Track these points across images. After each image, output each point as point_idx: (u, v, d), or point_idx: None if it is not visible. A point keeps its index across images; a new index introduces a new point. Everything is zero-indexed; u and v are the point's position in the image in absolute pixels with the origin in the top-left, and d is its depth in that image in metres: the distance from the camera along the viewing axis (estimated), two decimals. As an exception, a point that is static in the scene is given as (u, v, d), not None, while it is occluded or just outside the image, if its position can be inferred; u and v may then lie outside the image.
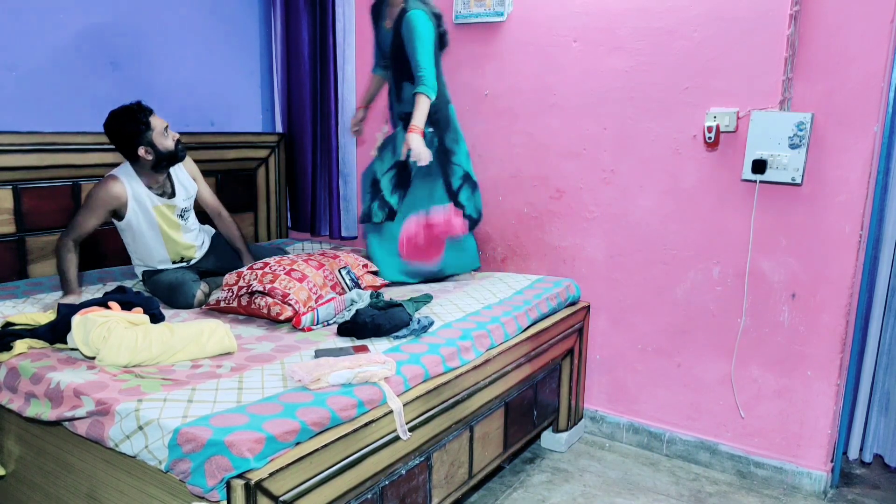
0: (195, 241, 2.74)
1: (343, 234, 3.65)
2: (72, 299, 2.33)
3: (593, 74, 2.88)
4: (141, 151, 2.47)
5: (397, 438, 1.80)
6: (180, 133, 3.17)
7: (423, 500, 2.00)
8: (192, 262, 2.74)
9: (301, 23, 3.55)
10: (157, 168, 2.54)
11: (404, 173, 2.87)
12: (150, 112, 2.49)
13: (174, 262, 2.67)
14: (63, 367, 1.84)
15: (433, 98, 2.74)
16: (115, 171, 2.54)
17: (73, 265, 2.42)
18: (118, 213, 2.52)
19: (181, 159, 2.61)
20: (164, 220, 2.59)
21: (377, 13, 2.94)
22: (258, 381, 1.78)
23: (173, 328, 1.96)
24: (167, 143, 2.51)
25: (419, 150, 2.69)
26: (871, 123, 2.36)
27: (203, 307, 2.47)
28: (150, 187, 2.56)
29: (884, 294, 2.58)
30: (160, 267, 2.64)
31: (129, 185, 2.50)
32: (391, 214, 2.88)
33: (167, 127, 2.53)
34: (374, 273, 2.77)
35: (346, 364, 1.79)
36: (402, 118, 2.88)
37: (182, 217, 2.66)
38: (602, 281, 2.99)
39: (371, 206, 2.88)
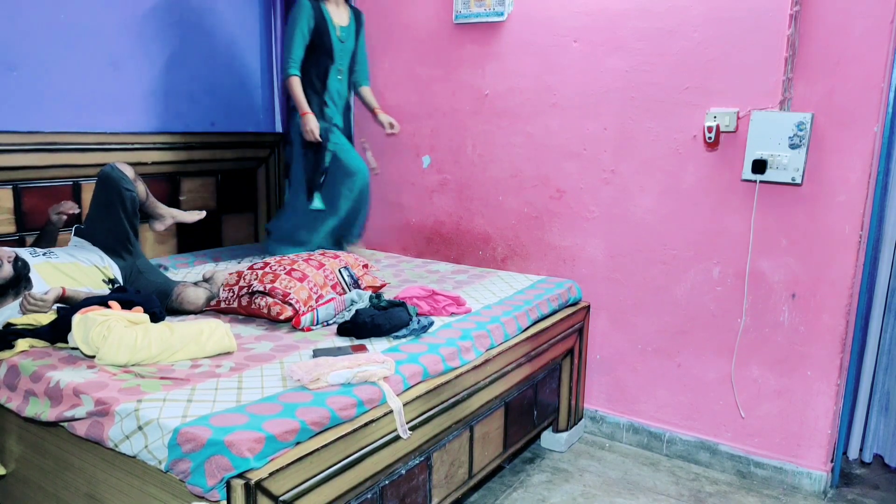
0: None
1: None
2: None
3: (593, 74, 2.88)
4: None
5: (397, 438, 1.80)
6: (180, 133, 3.20)
7: (423, 499, 2.00)
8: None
9: (301, 23, 3.55)
10: (4, 295, 2.19)
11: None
12: None
13: None
14: (63, 366, 1.84)
15: None
16: None
17: None
18: None
19: (26, 275, 2.22)
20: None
21: (318, 11, 2.99)
22: (258, 381, 1.78)
23: (173, 327, 1.96)
24: (2, 273, 2.16)
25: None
26: (871, 123, 2.36)
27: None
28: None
29: (884, 294, 2.58)
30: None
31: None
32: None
33: None
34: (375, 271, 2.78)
35: (345, 364, 1.79)
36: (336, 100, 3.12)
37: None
38: (602, 281, 2.99)
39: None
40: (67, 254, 2.41)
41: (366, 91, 3.25)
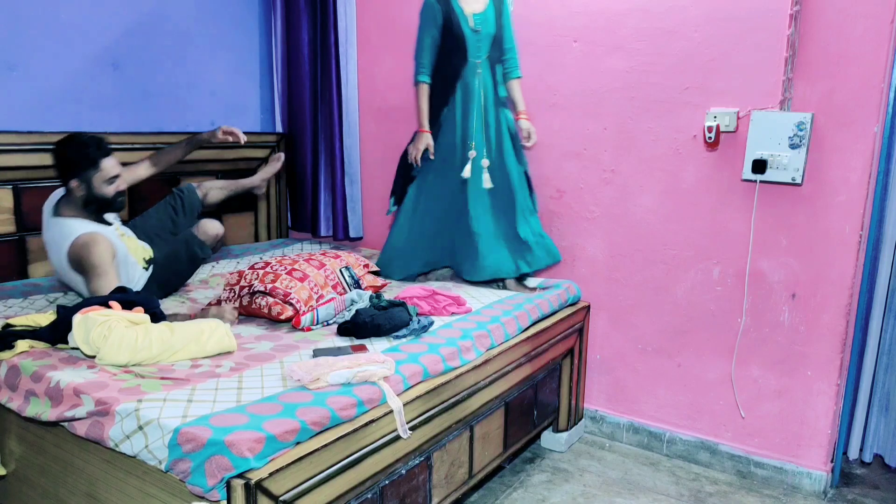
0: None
1: (351, 234, 3.62)
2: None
3: (593, 74, 2.88)
4: (73, 183, 2.31)
5: (397, 438, 1.80)
6: (181, 133, 3.20)
7: (423, 499, 2.00)
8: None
9: (301, 23, 3.55)
10: (86, 208, 2.37)
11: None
12: (104, 153, 2.34)
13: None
14: (63, 366, 1.84)
15: None
16: (76, 225, 2.33)
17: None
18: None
19: (117, 210, 2.44)
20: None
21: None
22: (258, 381, 1.78)
23: (173, 327, 1.96)
24: (106, 190, 2.35)
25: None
26: (871, 123, 2.36)
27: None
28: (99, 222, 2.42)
29: (884, 294, 2.58)
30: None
31: (98, 228, 2.35)
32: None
33: (116, 176, 2.37)
34: (376, 273, 2.78)
35: (345, 363, 1.79)
36: (500, 104, 2.84)
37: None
38: (602, 281, 2.99)
39: None
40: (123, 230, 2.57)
41: (514, 86, 2.88)
